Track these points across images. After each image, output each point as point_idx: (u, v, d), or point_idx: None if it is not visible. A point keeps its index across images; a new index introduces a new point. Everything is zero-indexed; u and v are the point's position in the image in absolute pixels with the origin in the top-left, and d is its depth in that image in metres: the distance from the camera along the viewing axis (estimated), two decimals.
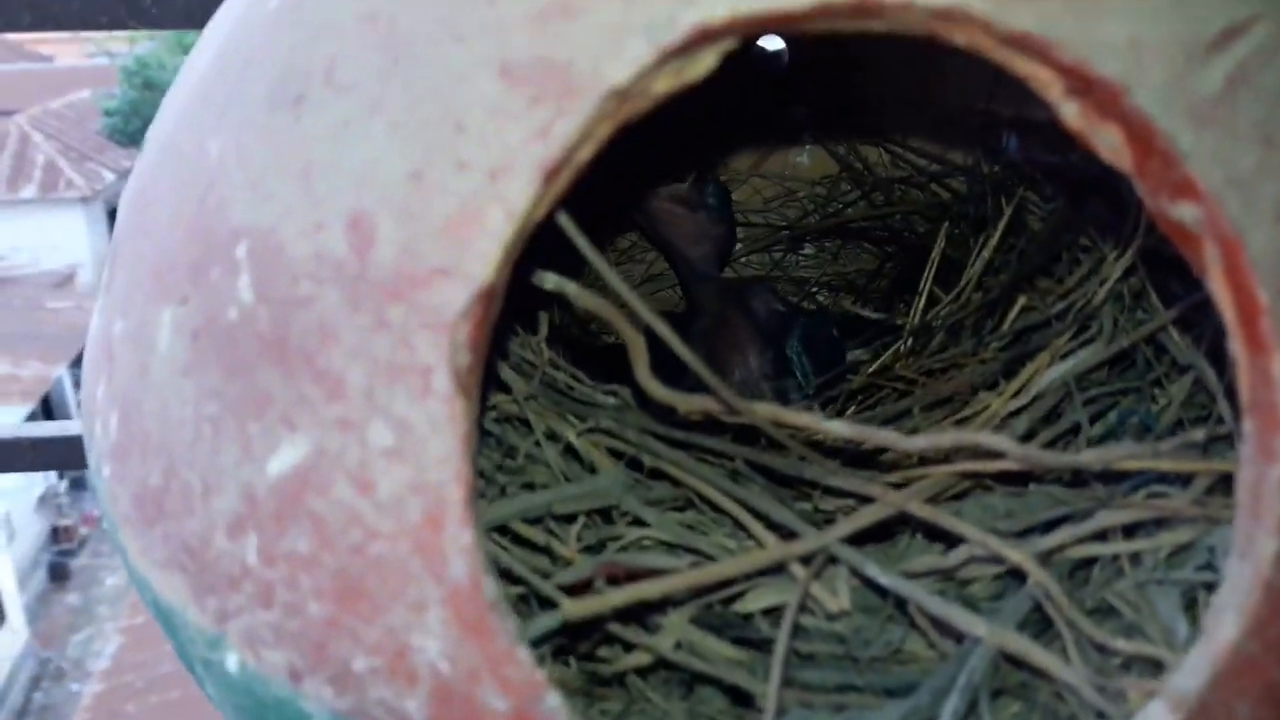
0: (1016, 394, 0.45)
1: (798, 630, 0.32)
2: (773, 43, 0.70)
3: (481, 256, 0.27)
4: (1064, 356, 0.46)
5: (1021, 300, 0.53)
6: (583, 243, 0.28)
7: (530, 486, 0.37)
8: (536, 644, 0.28)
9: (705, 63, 0.27)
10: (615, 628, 0.31)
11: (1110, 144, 0.28)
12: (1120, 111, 0.27)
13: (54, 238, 8.00)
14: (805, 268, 0.78)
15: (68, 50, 11.15)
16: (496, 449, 0.38)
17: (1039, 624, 0.32)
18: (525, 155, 0.26)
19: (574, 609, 0.27)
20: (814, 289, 0.77)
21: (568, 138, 0.26)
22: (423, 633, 0.26)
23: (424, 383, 0.27)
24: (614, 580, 0.30)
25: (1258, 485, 0.27)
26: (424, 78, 0.28)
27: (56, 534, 6.95)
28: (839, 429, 0.32)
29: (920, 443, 0.33)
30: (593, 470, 0.38)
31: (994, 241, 0.57)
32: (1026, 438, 0.42)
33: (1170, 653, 0.29)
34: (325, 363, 0.28)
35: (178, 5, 0.78)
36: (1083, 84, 0.27)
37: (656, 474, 0.39)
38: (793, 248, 0.78)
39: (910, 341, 0.59)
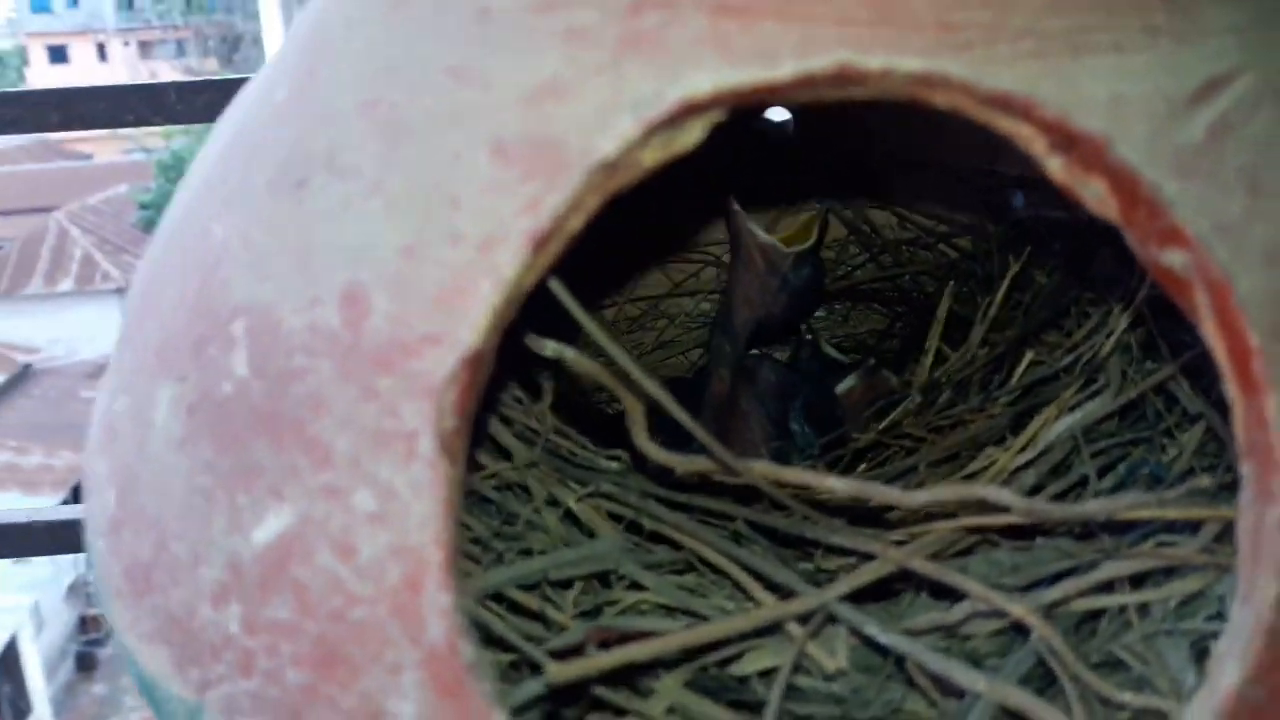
0: (1024, 448, 0.44)
1: (794, 692, 0.31)
2: (779, 112, 0.71)
3: (470, 324, 0.27)
4: (1072, 409, 0.45)
5: (1029, 355, 0.52)
6: (577, 310, 0.28)
7: (529, 553, 0.37)
8: (522, 711, 0.27)
9: (692, 134, 0.27)
10: (606, 693, 0.30)
11: (1096, 195, 0.28)
12: (1104, 164, 0.27)
13: (90, 329, 8.14)
14: (816, 330, 0.77)
15: (106, 148, 11.47)
16: (495, 515, 0.38)
17: (1043, 679, 0.31)
18: (515, 226, 0.27)
19: (559, 673, 0.26)
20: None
21: (557, 209, 0.27)
22: (399, 697, 0.26)
23: (408, 447, 0.27)
24: (607, 645, 0.30)
25: (1257, 528, 0.27)
26: (421, 158, 0.28)
27: (85, 623, 6.90)
28: (839, 486, 0.32)
29: (922, 498, 0.33)
30: (592, 535, 0.38)
31: (999, 298, 0.57)
32: (1034, 491, 0.42)
33: (1177, 704, 0.28)
34: (315, 432, 0.28)
35: (200, 100, 0.81)
36: (1065, 139, 0.27)
37: (657, 537, 0.38)
38: None
39: (918, 399, 0.59)
